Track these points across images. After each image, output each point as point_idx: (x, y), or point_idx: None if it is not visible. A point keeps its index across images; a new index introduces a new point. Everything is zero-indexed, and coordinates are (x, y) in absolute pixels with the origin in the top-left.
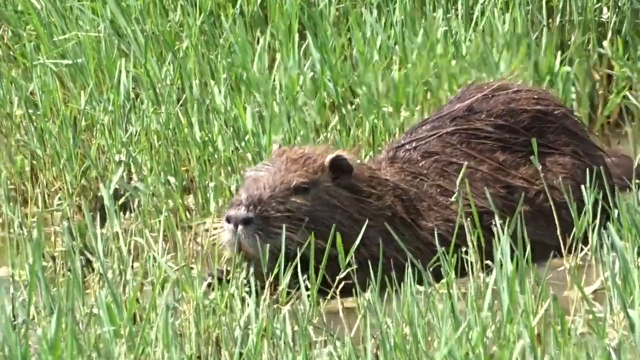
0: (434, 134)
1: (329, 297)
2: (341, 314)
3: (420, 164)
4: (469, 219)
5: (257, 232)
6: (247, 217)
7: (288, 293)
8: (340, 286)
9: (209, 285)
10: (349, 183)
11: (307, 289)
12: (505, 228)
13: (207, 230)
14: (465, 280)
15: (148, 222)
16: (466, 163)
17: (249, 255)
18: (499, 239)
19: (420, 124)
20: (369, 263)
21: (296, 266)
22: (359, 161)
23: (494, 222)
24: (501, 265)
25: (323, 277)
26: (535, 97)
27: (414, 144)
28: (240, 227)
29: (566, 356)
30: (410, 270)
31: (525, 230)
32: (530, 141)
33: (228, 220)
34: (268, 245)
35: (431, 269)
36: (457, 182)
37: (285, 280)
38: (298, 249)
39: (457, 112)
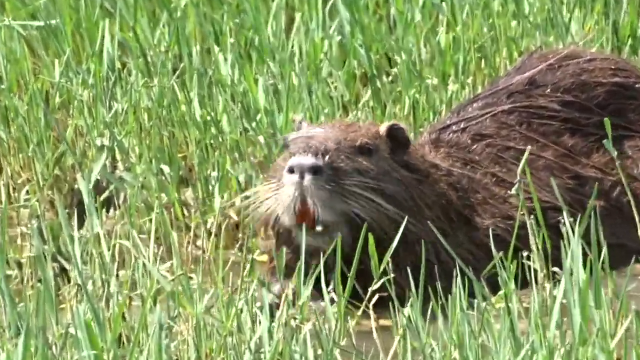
0: (487, 113)
1: (359, 312)
2: (375, 334)
3: (470, 149)
4: (531, 216)
5: (330, 184)
6: (317, 165)
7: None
8: (374, 299)
9: (273, 306)
10: (405, 160)
11: (332, 302)
12: (576, 227)
13: (230, 206)
14: (528, 293)
15: (136, 222)
16: (529, 147)
17: (311, 230)
18: (568, 240)
19: (470, 101)
20: (408, 269)
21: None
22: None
23: (562, 221)
24: (571, 273)
25: (353, 288)
26: (613, 67)
27: (462, 125)
28: (307, 178)
29: None
30: (459, 279)
31: (601, 231)
32: (604, 122)
33: (291, 170)
34: (343, 206)
35: (485, 278)
36: (519, 170)
37: (306, 292)
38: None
39: (516, 86)
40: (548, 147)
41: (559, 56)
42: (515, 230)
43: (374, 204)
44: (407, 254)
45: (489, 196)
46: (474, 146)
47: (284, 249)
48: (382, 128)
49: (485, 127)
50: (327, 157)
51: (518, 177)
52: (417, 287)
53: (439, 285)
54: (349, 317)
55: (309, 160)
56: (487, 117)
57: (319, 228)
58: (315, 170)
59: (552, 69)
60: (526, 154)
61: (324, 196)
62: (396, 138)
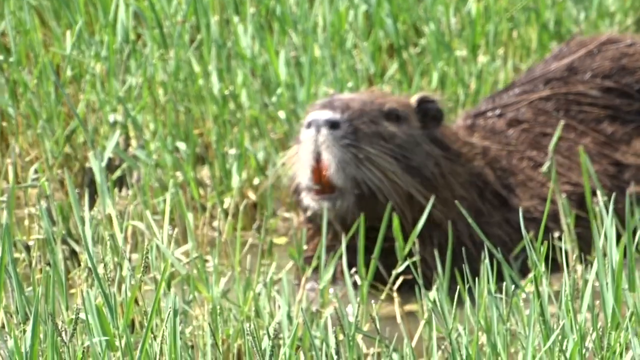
0: (524, 100)
1: (383, 296)
2: (399, 319)
3: (507, 134)
4: (564, 196)
5: (346, 141)
6: (334, 119)
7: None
8: (398, 282)
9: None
10: (437, 136)
11: (355, 286)
12: (610, 207)
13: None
14: (559, 276)
15: (150, 202)
16: (561, 122)
17: (328, 191)
18: (601, 221)
19: (505, 88)
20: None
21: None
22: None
23: (595, 201)
24: (604, 255)
25: (376, 270)
26: None
27: (497, 111)
28: (324, 132)
29: None
30: (487, 261)
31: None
32: None
33: (309, 125)
34: (356, 170)
35: (521, 262)
36: (550, 146)
37: (327, 274)
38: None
39: (554, 72)
40: (587, 134)
41: (598, 42)
42: (546, 211)
43: (392, 174)
44: (433, 234)
45: (526, 179)
46: (510, 131)
47: (304, 230)
48: (413, 99)
49: (522, 113)
50: (346, 114)
51: (550, 154)
52: (444, 269)
53: (466, 268)
54: (372, 302)
55: (326, 114)
56: (524, 104)
57: (309, 194)
58: (332, 125)
59: (590, 55)
60: (559, 126)
61: (338, 154)
62: (428, 110)
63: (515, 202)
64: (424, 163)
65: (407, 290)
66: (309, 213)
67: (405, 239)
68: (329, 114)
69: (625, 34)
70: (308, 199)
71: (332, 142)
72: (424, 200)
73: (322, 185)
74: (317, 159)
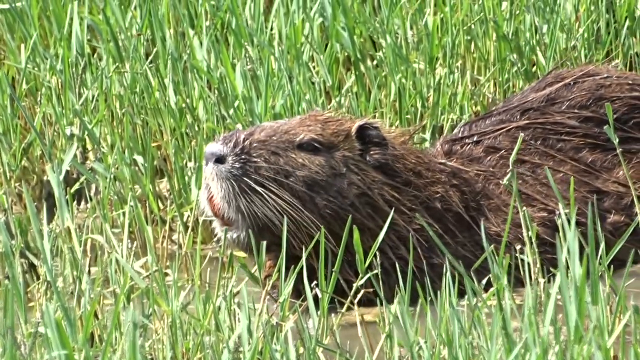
0: (502, 129)
1: (344, 309)
2: (360, 330)
3: (484, 161)
4: (524, 208)
5: (229, 175)
6: (219, 153)
7: (292, 304)
8: (359, 295)
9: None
10: (382, 161)
11: (315, 299)
12: (572, 219)
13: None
14: (521, 290)
15: (109, 215)
16: (521, 134)
17: (226, 223)
18: (564, 234)
19: (482, 116)
20: (396, 269)
21: (298, 268)
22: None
23: (557, 212)
24: (567, 268)
25: (336, 282)
26: (630, 82)
27: (475, 138)
28: (210, 165)
29: None
30: (449, 275)
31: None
32: (627, 136)
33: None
34: (240, 203)
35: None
36: (511, 159)
37: (287, 289)
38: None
39: (531, 103)
40: (566, 163)
41: (575, 74)
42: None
43: (285, 206)
44: (382, 255)
45: (502, 204)
46: (488, 158)
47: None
48: (355, 126)
49: (499, 141)
50: (236, 147)
51: (511, 165)
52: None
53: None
54: (332, 314)
55: (213, 147)
56: (501, 133)
57: (216, 224)
58: (217, 159)
59: (567, 87)
60: (519, 139)
61: (222, 187)
62: (369, 137)
63: (486, 225)
64: (343, 195)
65: (364, 298)
66: (220, 243)
67: (336, 259)
68: (215, 148)
69: (602, 67)
70: (216, 229)
71: (216, 175)
72: (344, 226)
73: (221, 218)
74: (210, 192)
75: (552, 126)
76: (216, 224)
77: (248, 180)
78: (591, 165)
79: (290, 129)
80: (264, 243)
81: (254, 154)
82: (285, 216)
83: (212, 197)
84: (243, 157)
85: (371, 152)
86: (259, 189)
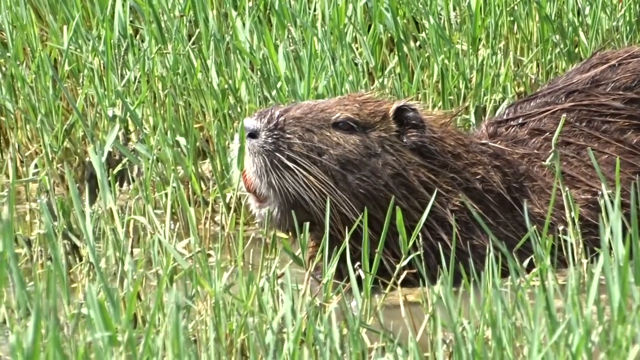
0: (546, 111)
1: (387, 290)
2: (403, 312)
3: (529, 143)
4: (567, 189)
5: (262, 149)
6: (252, 128)
7: (335, 285)
8: (402, 277)
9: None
10: (419, 143)
11: (359, 280)
12: (616, 200)
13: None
14: (564, 271)
15: (151, 197)
16: (564, 116)
17: (260, 200)
18: (607, 214)
19: (527, 98)
20: (438, 250)
21: (341, 250)
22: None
23: (599, 193)
24: (610, 249)
25: (379, 264)
26: None
27: (520, 120)
28: (246, 141)
29: None
30: (492, 255)
31: None
32: None
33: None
34: (272, 179)
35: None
36: (554, 139)
37: (330, 270)
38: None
39: (576, 85)
40: (611, 144)
41: (620, 56)
42: (551, 207)
43: (317, 183)
44: (423, 237)
45: (546, 186)
46: (533, 140)
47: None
48: (393, 107)
49: (543, 123)
50: (270, 122)
51: (553, 146)
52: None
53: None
54: (376, 295)
55: (248, 122)
56: (546, 115)
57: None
58: (250, 133)
59: (612, 68)
60: (562, 119)
61: (255, 162)
62: (407, 119)
63: (529, 206)
64: (377, 174)
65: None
66: (256, 220)
67: (372, 240)
68: (249, 123)
69: None
70: (251, 206)
71: (248, 150)
72: (378, 207)
73: (254, 193)
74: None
75: (597, 108)
76: (250, 200)
77: (280, 156)
78: (636, 146)
79: (327, 107)
80: (307, 224)
81: (288, 130)
82: (317, 194)
83: (245, 171)
84: (276, 132)
85: (408, 134)
86: (290, 164)
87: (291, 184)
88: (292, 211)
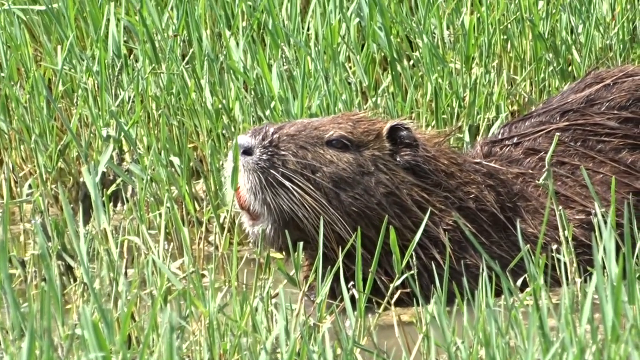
0: (541, 130)
1: (381, 309)
2: (397, 331)
3: (523, 162)
4: (560, 207)
5: (257, 167)
6: (247, 145)
7: (328, 305)
8: (396, 296)
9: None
10: (412, 162)
11: (352, 300)
12: (609, 219)
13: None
14: (558, 290)
15: (145, 217)
16: (557, 134)
17: (253, 217)
18: (600, 233)
19: (522, 118)
20: (431, 269)
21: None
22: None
23: (593, 212)
24: (604, 267)
25: (373, 283)
26: None
27: (515, 140)
28: (240, 158)
29: None
30: (485, 275)
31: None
32: None
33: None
34: (267, 196)
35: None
36: (548, 156)
37: (324, 289)
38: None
39: (571, 104)
40: (605, 164)
41: (615, 75)
42: (544, 223)
43: (310, 201)
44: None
45: (540, 206)
46: (527, 159)
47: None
48: (386, 126)
49: (538, 143)
50: (264, 140)
51: (547, 165)
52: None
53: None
54: (369, 315)
55: (242, 139)
56: (540, 134)
57: (244, 218)
58: (245, 150)
59: (607, 88)
60: (555, 138)
61: (249, 180)
62: (400, 138)
63: (522, 226)
64: (370, 193)
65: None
66: (250, 238)
67: (365, 259)
68: (243, 139)
69: None
70: (244, 224)
71: (243, 167)
72: (371, 225)
73: (247, 211)
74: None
75: (592, 127)
76: (244, 218)
77: (275, 173)
78: (631, 166)
79: (320, 125)
80: (301, 243)
81: (282, 147)
82: (311, 211)
83: (239, 189)
84: (271, 149)
85: (402, 153)
86: (285, 182)
87: (285, 201)
88: (286, 229)
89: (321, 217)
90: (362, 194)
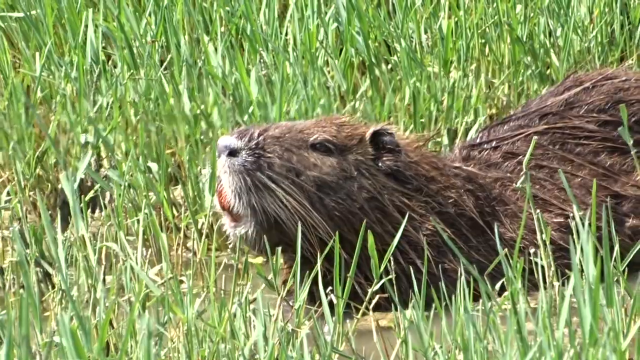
0: (520, 134)
1: (359, 315)
2: (375, 336)
3: (502, 166)
4: (538, 211)
5: (242, 168)
6: (233, 146)
7: (307, 310)
8: (374, 301)
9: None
10: (394, 167)
11: (331, 305)
12: (586, 222)
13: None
14: (537, 294)
15: (124, 223)
16: (535, 138)
17: (235, 219)
18: (578, 236)
19: (501, 121)
20: (410, 274)
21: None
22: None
23: (570, 215)
24: (581, 270)
25: (352, 288)
26: None
27: (493, 144)
28: (223, 158)
29: None
30: (463, 280)
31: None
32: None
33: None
34: (252, 198)
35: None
36: (525, 159)
37: (302, 295)
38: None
39: (550, 107)
40: (584, 167)
41: (594, 78)
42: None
43: (294, 204)
44: (394, 262)
45: (518, 210)
46: (506, 163)
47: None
48: (369, 131)
49: (517, 147)
50: (250, 141)
51: (525, 168)
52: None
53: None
54: (348, 320)
55: (227, 140)
56: (519, 138)
57: (225, 219)
58: (230, 152)
59: (586, 91)
60: (533, 141)
61: (233, 181)
62: (383, 143)
63: (501, 230)
64: (352, 198)
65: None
66: (230, 240)
67: (346, 263)
68: (228, 141)
69: (621, 70)
70: (225, 226)
71: (228, 168)
72: (353, 230)
73: (229, 212)
74: (220, 185)
75: (571, 130)
76: (225, 220)
77: (261, 175)
78: (610, 169)
79: (305, 128)
80: (279, 249)
81: (268, 150)
82: (294, 215)
83: (221, 190)
84: (257, 152)
85: (384, 158)
86: (271, 184)
87: (270, 204)
88: (269, 231)
89: (299, 222)
90: (345, 199)
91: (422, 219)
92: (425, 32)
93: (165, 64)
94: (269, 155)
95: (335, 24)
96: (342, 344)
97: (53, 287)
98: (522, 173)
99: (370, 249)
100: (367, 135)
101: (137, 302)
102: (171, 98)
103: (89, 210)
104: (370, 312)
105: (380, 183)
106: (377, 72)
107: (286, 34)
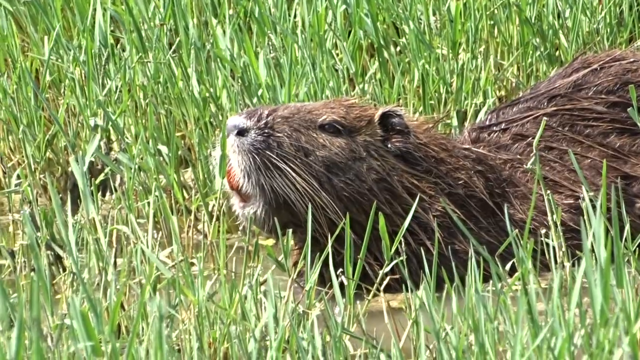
0: (529, 116)
1: (370, 296)
2: (386, 318)
3: (511, 148)
4: (548, 192)
5: (252, 148)
6: (242, 126)
7: (317, 292)
8: (385, 282)
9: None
10: (403, 149)
11: (342, 286)
12: (597, 203)
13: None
14: (547, 275)
15: (134, 206)
16: (545, 119)
17: (244, 199)
18: (588, 217)
19: (510, 103)
20: (420, 256)
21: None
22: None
23: (581, 196)
24: (592, 251)
25: (362, 269)
26: None
27: (502, 125)
28: (232, 138)
29: None
30: (474, 261)
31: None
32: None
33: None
34: (261, 177)
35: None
36: (535, 141)
37: (313, 277)
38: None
39: (558, 89)
40: (594, 148)
41: (602, 59)
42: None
43: (303, 184)
44: (405, 243)
45: (528, 192)
46: (515, 145)
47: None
48: (378, 113)
49: (526, 129)
50: (259, 121)
51: (535, 150)
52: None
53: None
54: (358, 302)
55: (236, 120)
56: (528, 120)
57: (234, 199)
58: (239, 131)
59: (594, 72)
60: (543, 122)
61: (242, 160)
62: (392, 125)
63: (511, 212)
64: (361, 179)
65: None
66: (239, 220)
67: (355, 245)
68: (238, 120)
69: (629, 51)
70: (234, 206)
71: (237, 148)
72: (362, 211)
73: (238, 192)
74: (230, 165)
75: (580, 112)
76: (234, 200)
77: (270, 154)
78: (619, 150)
79: (313, 109)
80: (290, 230)
81: (277, 129)
82: (303, 195)
83: (231, 170)
84: (266, 131)
85: (393, 140)
86: (280, 164)
87: (279, 183)
88: (278, 211)
89: (309, 203)
90: (354, 179)
91: (431, 200)
92: (434, 14)
93: (173, 47)
94: (278, 134)
95: (344, 6)
96: (353, 325)
97: (64, 270)
98: (531, 154)
99: (382, 230)
100: (376, 117)
101: (147, 284)
102: (180, 81)
103: (99, 193)
104: (381, 293)
105: (389, 164)
106: (385, 54)
107: (295, 17)
